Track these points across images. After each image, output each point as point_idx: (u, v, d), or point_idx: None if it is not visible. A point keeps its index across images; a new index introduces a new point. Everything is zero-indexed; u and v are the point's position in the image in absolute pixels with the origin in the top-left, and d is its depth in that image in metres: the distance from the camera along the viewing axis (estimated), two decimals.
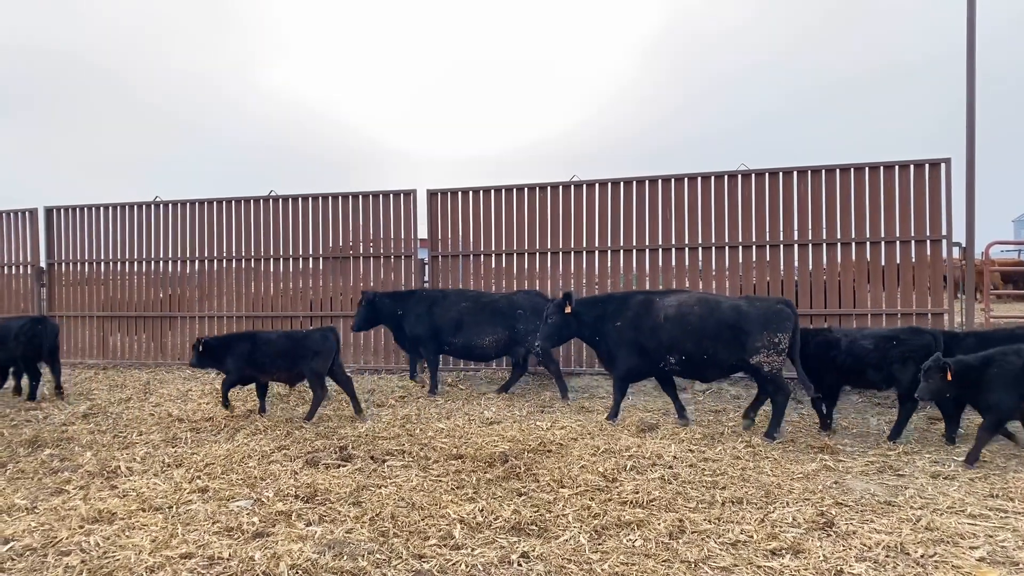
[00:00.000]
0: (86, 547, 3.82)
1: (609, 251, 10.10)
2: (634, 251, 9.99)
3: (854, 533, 3.91)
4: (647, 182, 9.93)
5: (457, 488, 4.82)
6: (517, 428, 6.66)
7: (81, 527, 4.12)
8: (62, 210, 12.46)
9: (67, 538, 3.94)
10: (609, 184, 10.09)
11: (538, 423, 6.96)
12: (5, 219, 12.73)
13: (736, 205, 9.58)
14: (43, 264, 12.59)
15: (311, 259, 11.47)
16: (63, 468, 5.48)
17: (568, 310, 7.06)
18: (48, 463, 5.64)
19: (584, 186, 10.21)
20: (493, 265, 10.63)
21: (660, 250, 9.88)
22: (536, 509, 4.34)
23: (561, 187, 10.29)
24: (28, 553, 3.79)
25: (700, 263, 9.79)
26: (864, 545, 3.74)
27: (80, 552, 3.76)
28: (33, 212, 12.51)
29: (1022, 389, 5.30)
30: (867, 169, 9.11)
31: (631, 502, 4.46)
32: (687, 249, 9.78)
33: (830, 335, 6.64)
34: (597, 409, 7.63)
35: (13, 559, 3.72)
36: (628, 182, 10.00)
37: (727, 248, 9.62)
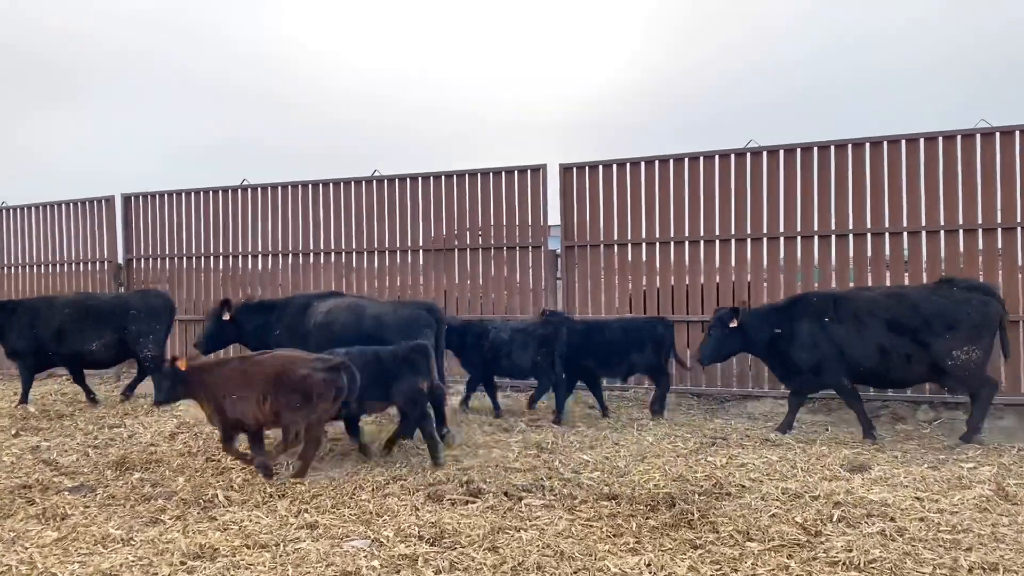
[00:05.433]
0: None
1: (799, 237, 9.78)
2: (815, 236, 9.66)
3: None
4: (833, 147, 9.59)
5: (614, 536, 4.86)
6: (683, 464, 6.62)
7: (183, 563, 4.51)
8: (140, 197, 13.59)
9: (169, 575, 4.32)
10: (799, 149, 9.76)
11: (710, 459, 6.88)
12: (80, 208, 14.04)
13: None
14: (120, 260, 13.73)
15: (420, 252, 11.84)
16: (156, 495, 6.00)
17: (227, 317, 8.06)
18: (139, 488, 6.19)
19: (764, 153, 9.94)
20: (644, 257, 10.57)
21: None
22: (718, 566, 4.32)
23: (733, 155, 10.08)
24: None
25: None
26: None
27: None
28: (110, 200, 13.76)
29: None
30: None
31: (843, 563, 4.34)
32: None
33: (480, 327, 9.05)
34: (786, 443, 7.45)
35: None
36: (824, 147, 9.66)
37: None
